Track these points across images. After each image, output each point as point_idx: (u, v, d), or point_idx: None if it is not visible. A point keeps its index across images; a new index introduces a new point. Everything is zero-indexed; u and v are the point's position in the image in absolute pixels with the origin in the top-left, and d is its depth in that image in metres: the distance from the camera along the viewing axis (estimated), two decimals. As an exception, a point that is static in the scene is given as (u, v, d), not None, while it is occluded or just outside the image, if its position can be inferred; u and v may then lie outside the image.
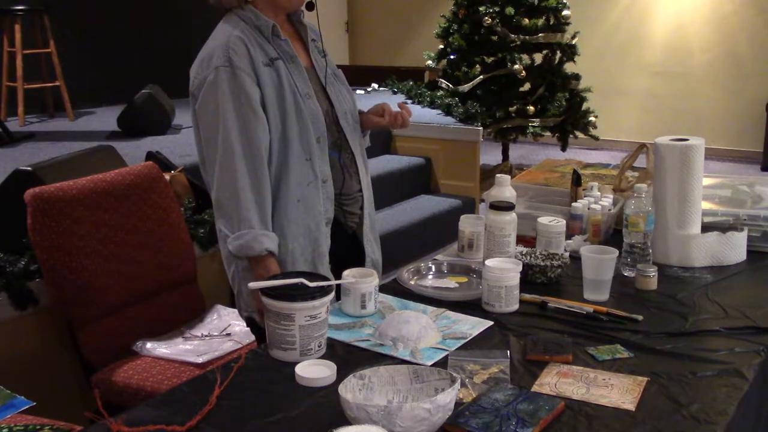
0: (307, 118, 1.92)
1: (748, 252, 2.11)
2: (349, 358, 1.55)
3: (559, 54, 6.09)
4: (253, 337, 2.18)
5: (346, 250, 2.07)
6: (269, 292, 1.53)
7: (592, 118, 6.17)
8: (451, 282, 1.96)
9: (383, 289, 1.90)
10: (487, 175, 5.59)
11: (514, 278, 1.76)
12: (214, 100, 1.86)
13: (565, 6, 5.98)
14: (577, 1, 6.75)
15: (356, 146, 2.07)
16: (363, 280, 1.75)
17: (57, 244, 2.26)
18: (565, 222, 2.11)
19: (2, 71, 5.21)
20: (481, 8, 5.89)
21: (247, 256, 1.89)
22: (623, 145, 7.36)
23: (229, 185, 1.86)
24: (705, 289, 1.91)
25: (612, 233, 2.25)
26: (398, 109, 2.09)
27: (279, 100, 1.89)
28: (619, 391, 1.39)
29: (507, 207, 2.00)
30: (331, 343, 1.60)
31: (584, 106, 6.16)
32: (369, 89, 6.79)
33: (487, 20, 5.82)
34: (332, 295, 1.57)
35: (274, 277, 1.71)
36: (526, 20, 5.85)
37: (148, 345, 2.39)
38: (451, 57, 6.13)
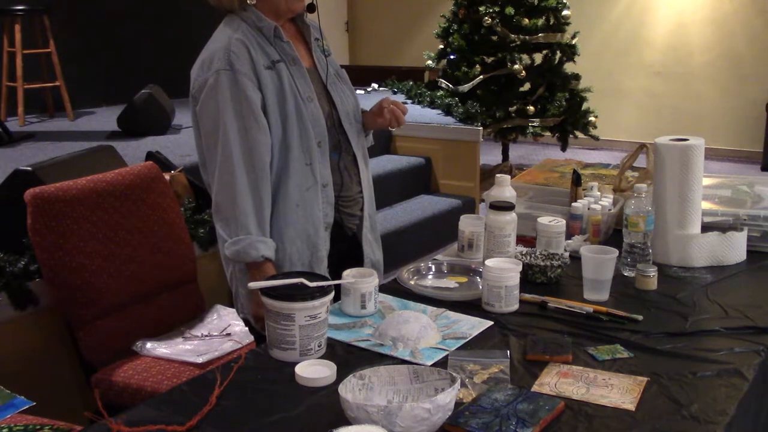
0: (308, 121, 1.91)
1: (748, 252, 2.11)
2: (349, 358, 1.55)
3: (559, 54, 6.09)
4: (252, 337, 2.18)
5: (346, 253, 2.07)
6: (269, 292, 1.53)
7: (592, 118, 6.16)
8: (451, 282, 1.96)
9: (383, 289, 1.90)
10: (487, 175, 5.59)
11: (514, 278, 1.76)
12: (215, 103, 1.86)
13: (565, 6, 5.98)
14: (577, 1, 6.75)
15: (358, 147, 2.06)
16: (363, 280, 1.75)
17: (57, 244, 2.26)
18: (565, 222, 2.11)
19: (2, 71, 5.21)
20: (481, 8, 5.89)
21: (244, 261, 1.88)
22: (623, 145, 7.35)
23: (228, 189, 1.85)
24: (705, 289, 1.90)
25: (612, 233, 2.25)
26: (392, 106, 2.06)
27: (280, 104, 1.89)
28: (619, 391, 1.39)
29: (507, 207, 2.00)
30: (331, 343, 1.60)
31: (584, 106, 6.15)
32: (369, 89, 6.79)
33: (487, 20, 5.82)
34: (332, 295, 1.57)
35: (274, 277, 1.71)
36: (526, 20, 5.85)
37: (148, 345, 2.39)
38: (451, 57, 6.13)
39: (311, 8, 2.00)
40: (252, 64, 1.86)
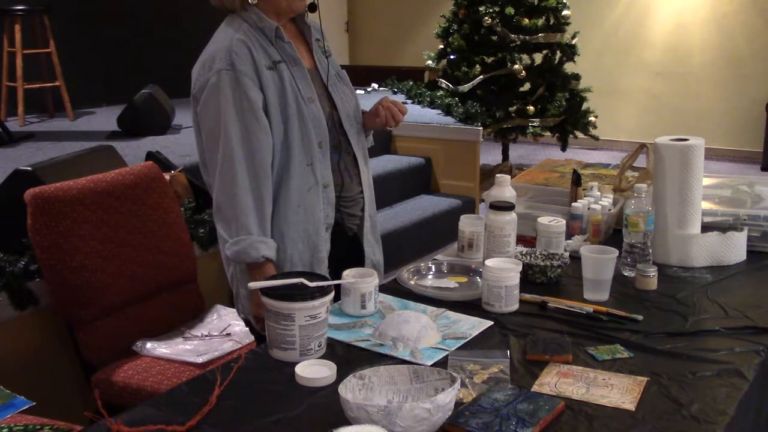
0: (310, 122, 1.91)
1: (748, 252, 2.11)
2: (349, 358, 1.55)
3: (559, 54, 6.09)
4: (252, 337, 2.18)
5: (347, 253, 2.07)
6: (269, 292, 1.53)
7: (592, 118, 6.17)
8: (451, 282, 1.96)
9: (383, 289, 1.90)
10: (487, 175, 5.59)
11: (514, 278, 1.76)
12: (216, 103, 1.85)
13: (565, 6, 5.98)
14: (577, 1, 6.75)
15: (359, 148, 2.06)
16: (363, 280, 1.75)
17: (57, 244, 2.26)
18: (565, 222, 2.11)
19: (2, 71, 5.21)
20: (481, 8, 5.89)
21: (244, 261, 1.88)
22: (623, 145, 7.36)
23: (229, 190, 1.85)
24: (705, 289, 1.90)
25: (612, 233, 2.25)
26: (389, 105, 2.06)
27: (281, 104, 1.89)
28: (619, 391, 1.39)
29: (507, 207, 2.00)
30: (331, 343, 1.60)
31: (584, 106, 6.15)
32: (369, 89, 6.79)
33: (487, 20, 5.82)
34: (332, 295, 1.57)
35: (274, 277, 1.71)
36: (526, 20, 5.85)
37: (148, 345, 2.39)
38: (451, 57, 6.13)
39: (312, 8, 2.00)
40: (254, 65, 1.86)
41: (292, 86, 1.90)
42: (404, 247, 4.36)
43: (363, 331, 1.67)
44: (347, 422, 1.22)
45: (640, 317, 1.72)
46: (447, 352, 1.56)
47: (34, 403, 1.75)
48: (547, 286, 1.93)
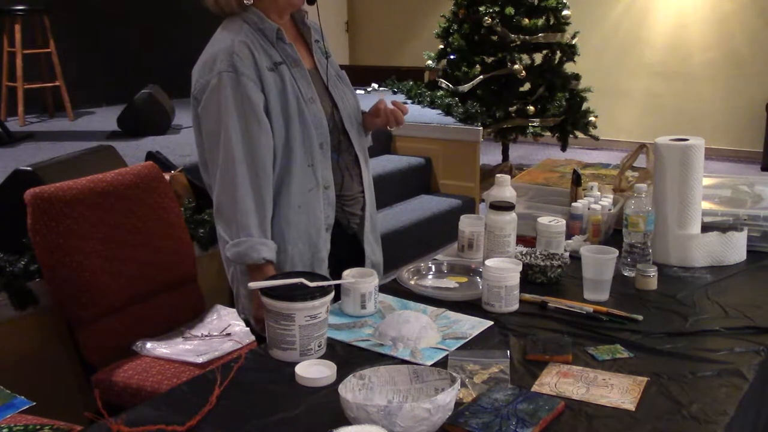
0: (311, 123, 1.91)
1: (748, 252, 2.11)
2: (349, 358, 1.55)
3: (559, 54, 6.09)
4: (253, 337, 2.18)
5: (347, 253, 2.07)
6: (269, 292, 1.53)
7: (592, 118, 6.17)
8: (451, 282, 1.96)
9: (383, 289, 1.90)
10: (487, 175, 5.59)
11: (514, 278, 1.76)
12: (217, 105, 1.85)
13: (565, 6, 5.98)
14: (577, 1, 6.75)
15: (359, 147, 2.06)
16: (363, 280, 1.75)
17: (57, 244, 2.26)
18: (565, 222, 2.11)
19: (2, 71, 5.22)
20: (481, 8, 5.89)
21: (245, 263, 1.88)
22: (623, 145, 7.36)
23: (230, 191, 1.85)
24: (705, 289, 1.90)
25: (612, 233, 2.25)
26: (392, 107, 2.07)
27: (282, 106, 1.88)
28: (619, 391, 1.39)
29: (507, 207, 2.00)
30: (331, 343, 1.60)
31: (584, 106, 6.15)
32: (369, 89, 6.79)
33: (487, 20, 5.82)
34: (332, 295, 1.57)
35: (274, 277, 1.71)
36: (526, 20, 5.85)
37: (148, 345, 2.39)
38: (451, 57, 6.13)
39: (311, 0, 2.00)
40: (255, 66, 1.86)
41: (293, 87, 1.90)
42: (404, 247, 4.36)
43: (363, 331, 1.67)
44: (347, 422, 1.22)
45: (640, 317, 1.72)
46: (447, 352, 1.56)
47: (34, 403, 1.75)
48: (547, 286, 1.93)
